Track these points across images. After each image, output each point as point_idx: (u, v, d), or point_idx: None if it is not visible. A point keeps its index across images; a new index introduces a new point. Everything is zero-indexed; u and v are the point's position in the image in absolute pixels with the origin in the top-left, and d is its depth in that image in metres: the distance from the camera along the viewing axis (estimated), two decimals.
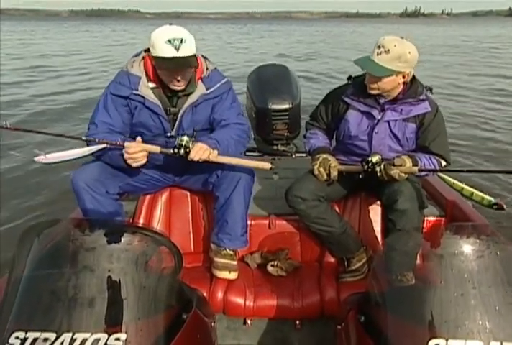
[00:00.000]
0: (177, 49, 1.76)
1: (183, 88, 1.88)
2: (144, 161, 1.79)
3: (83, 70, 12.75)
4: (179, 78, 1.83)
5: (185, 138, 1.77)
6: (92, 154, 1.84)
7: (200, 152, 1.76)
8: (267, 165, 1.89)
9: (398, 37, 1.87)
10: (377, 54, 1.82)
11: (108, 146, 1.79)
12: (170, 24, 1.82)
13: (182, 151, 1.77)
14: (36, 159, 1.75)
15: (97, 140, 1.78)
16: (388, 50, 1.80)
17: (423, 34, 33.20)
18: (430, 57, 14.67)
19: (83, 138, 1.80)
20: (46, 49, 19.57)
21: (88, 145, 1.84)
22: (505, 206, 1.51)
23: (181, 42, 1.76)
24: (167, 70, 1.82)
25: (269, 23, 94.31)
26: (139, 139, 1.80)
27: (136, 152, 1.75)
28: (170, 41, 1.75)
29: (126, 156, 1.76)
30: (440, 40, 27.24)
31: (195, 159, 1.76)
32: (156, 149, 1.81)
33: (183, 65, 1.80)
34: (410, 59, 1.83)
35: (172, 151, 1.79)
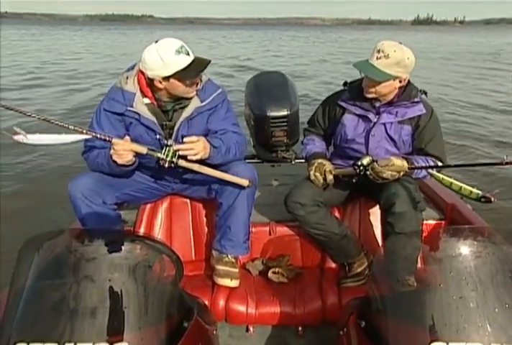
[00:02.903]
0: (188, 54, 1.77)
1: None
2: (129, 159, 1.77)
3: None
4: (198, 81, 1.86)
5: (172, 149, 1.78)
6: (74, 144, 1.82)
7: (198, 148, 1.76)
8: (246, 182, 1.88)
9: (397, 42, 1.90)
10: (377, 59, 1.84)
11: (94, 137, 1.75)
12: (156, 41, 1.79)
13: (169, 156, 1.77)
14: (15, 138, 1.65)
15: (84, 131, 1.75)
16: (388, 55, 1.82)
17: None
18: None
19: (70, 127, 1.73)
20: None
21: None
22: (493, 199, 1.51)
23: (184, 47, 1.77)
24: (191, 78, 1.81)
25: (281, 29, 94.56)
26: (127, 137, 1.78)
27: (123, 149, 1.74)
28: (178, 51, 1.74)
29: (112, 151, 1.75)
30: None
31: (188, 153, 1.76)
32: (143, 150, 1.79)
33: (203, 64, 1.81)
34: (408, 64, 1.86)
35: (159, 155, 1.78)
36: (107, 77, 11.54)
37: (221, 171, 1.89)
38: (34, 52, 20.63)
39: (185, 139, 1.79)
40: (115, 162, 1.78)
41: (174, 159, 1.79)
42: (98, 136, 1.75)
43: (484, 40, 39.16)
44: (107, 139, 1.75)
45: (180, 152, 1.78)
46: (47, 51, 21.73)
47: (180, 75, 1.77)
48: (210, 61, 1.83)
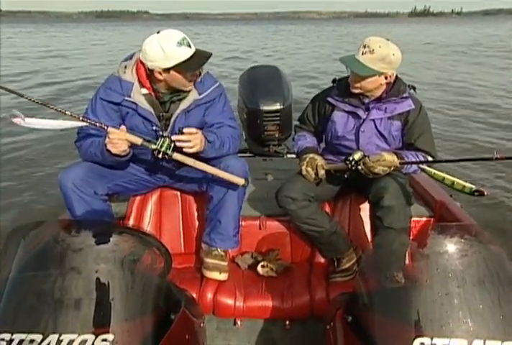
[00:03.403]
0: (189, 46, 1.76)
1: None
2: (123, 148, 1.75)
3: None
4: (197, 73, 1.85)
5: (168, 140, 1.77)
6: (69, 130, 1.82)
7: (196, 140, 1.75)
8: (241, 181, 1.87)
9: (384, 38, 1.90)
10: (362, 54, 1.85)
11: (90, 125, 1.75)
12: (158, 32, 1.77)
13: (164, 147, 1.76)
14: (14, 120, 1.69)
15: (81, 118, 1.74)
16: (373, 50, 1.83)
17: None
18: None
19: (68, 112, 1.73)
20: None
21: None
22: (486, 192, 1.53)
23: (186, 39, 1.76)
24: (192, 71, 1.80)
25: (277, 23, 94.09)
26: (123, 127, 1.77)
27: (118, 138, 1.73)
28: (179, 43, 1.72)
29: (106, 140, 1.74)
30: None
31: (186, 145, 1.75)
32: (138, 140, 1.77)
33: (204, 57, 1.79)
34: (393, 60, 1.87)
35: (153, 146, 1.77)
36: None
37: (213, 165, 1.88)
38: (31, 50, 20.43)
39: (184, 130, 1.77)
40: (109, 151, 1.76)
41: (168, 151, 1.78)
42: (94, 124, 1.74)
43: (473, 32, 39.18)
44: (103, 127, 1.74)
45: (178, 144, 1.76)
46: (44, 48, 21.51)
47: (181, 68, 1.76)
48: (211, 54, 1.82)
